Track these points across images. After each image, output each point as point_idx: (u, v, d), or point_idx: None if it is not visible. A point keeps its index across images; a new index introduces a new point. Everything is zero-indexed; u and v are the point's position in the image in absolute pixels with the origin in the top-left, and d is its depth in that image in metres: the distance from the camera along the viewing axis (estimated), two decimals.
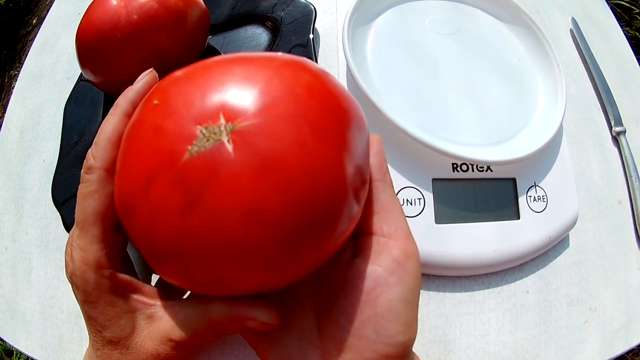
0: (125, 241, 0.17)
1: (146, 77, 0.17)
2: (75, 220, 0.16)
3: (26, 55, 0.36)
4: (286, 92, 0.14)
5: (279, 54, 0.16)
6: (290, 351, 0.16)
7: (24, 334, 0.30)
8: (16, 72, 0.87)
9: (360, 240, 0.16)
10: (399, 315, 0.15)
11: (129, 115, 0.16)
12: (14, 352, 0.69)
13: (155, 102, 0.14)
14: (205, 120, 0.13)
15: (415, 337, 0.15)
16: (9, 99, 0.34)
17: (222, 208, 0.12)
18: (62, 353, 0.29)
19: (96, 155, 0.15)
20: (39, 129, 0.34)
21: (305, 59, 0.16)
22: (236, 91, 0.13)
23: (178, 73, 0.15)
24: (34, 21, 0.98)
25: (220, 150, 0.12)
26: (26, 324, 0.31)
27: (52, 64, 0.36)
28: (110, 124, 0.16)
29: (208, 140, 0.13)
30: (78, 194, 0.16)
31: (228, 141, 0.12)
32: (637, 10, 0.89)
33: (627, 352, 0.33)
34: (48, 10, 0.39)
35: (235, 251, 0.13)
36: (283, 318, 0.16)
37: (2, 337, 0.31)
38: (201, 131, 0.13)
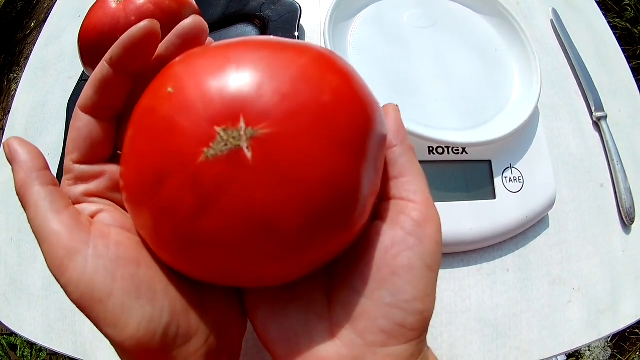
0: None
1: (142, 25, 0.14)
2: None
3: (25, 58, 0.38)
4: (312, 98, 0.13)
5: (310, 45, 0.15)
6: (293, 323, 0.14)
7: (29, 320, 0.32)
8: (15, 76, 0.89)
9: (379, 205, 0.16)
10: (418, 278, 0.14)
11: (106, 61, 0.15)
12: (18, 346, 0.71)
13: (170, 90, 0.13)
14: (225, 121, 0.12)
15: (433, 311, 0.14)
16: (10, 102, 0.36)
17: (235, 217, 0.12)
18: (64, 336, 0.30)
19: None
20: (43, 125, 0.36)
21: (334, 54, 0.15)
22: (259, 91, 0.12)
23: (193, 55, 0.14)
24: (32, 25, 1.00)
25: (238, 157, 0.12)
26: (30, 311, 0.32)
27: (54, 63, 0.38)
28: (94, 72, 0.15)
29: (226, 144, 0.12)
30: None
31: (247, 148, 0.12)
32: (628, 2, 0.89)
33: (629, 334, 0.33)
34: (47, 14, 0.41)
35: (245, 260, 0.13)
36: (289, 286, 0.15)
37: (7, 324, 0.33)
38: (219, 134, 0.12)
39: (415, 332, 0.14)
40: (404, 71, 0.29)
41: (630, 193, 0.33)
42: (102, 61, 0.15)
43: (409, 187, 0.15)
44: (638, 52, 0.87)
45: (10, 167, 0.15)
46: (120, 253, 0.13)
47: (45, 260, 0.13)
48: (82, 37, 0.31)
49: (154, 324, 0.13)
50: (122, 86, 0.15)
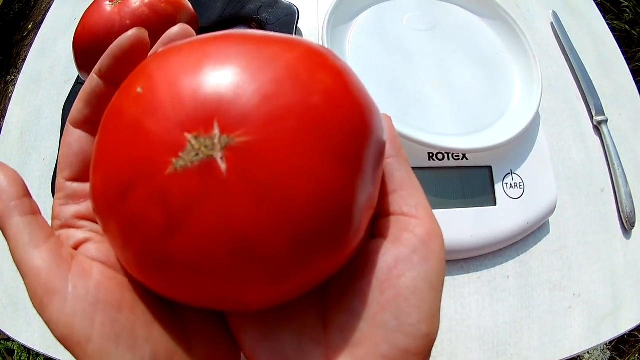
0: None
1: (129, 34, 0.14)
2: None
3: (22, 60, 0.38)
4: (299, 99, 0.11)
5: (299, 39, 0.13)
6: (285, 347, 0.13)
7: (25, 327, 0.32)
8: (13, 78, 0.88)
9: (378, 222, 0.15)
10: (424, 300, 0.13)
11: (95, 73, 0.15)
12: (15, 351, 0.71)
13: (139, 90, 0.12)
14: (196, 127, 0.11)
15: (437, 333, 0.13)
16: (7, 104, 0.36)
17: (209, 239, 0.11)
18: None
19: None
20: (39, 130, 0.35)
21: (327, 50, 0.13)
22: (237, 91, 0.11)
23: (169, 52, 0.13)
24: (30, 26, 1.00)
25: (210, 169, 0.11)
26: (27, 317, 0.32)
27: (50, 67, 0.37)
28: (84, 85, 0.15)
29: (197, 154, 0.11)
30: None
31: (221, 159, 0.11)
32: (626, 4, 0.89)
33: (628, 336, 0.33)
34: (44, 16, 0.41)
35: (221, 286, 0.11)
36: (279, 307, 0.14)
37: (4, 331, 0.32)
38: (190, 142, 0.11)
39: (419, 356, 0.13)
40: (403, 75, 0.29)
41: (631, 197, 0.33)
42: (91, 73, 0.15)
43: (410, 201, 0.14)
44: (637, 54, 0.87)
45: None
46: (101, 296, 0.13)
47: (28, 294, 0.13)
48: (77, 41, 0.30)
49: None
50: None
